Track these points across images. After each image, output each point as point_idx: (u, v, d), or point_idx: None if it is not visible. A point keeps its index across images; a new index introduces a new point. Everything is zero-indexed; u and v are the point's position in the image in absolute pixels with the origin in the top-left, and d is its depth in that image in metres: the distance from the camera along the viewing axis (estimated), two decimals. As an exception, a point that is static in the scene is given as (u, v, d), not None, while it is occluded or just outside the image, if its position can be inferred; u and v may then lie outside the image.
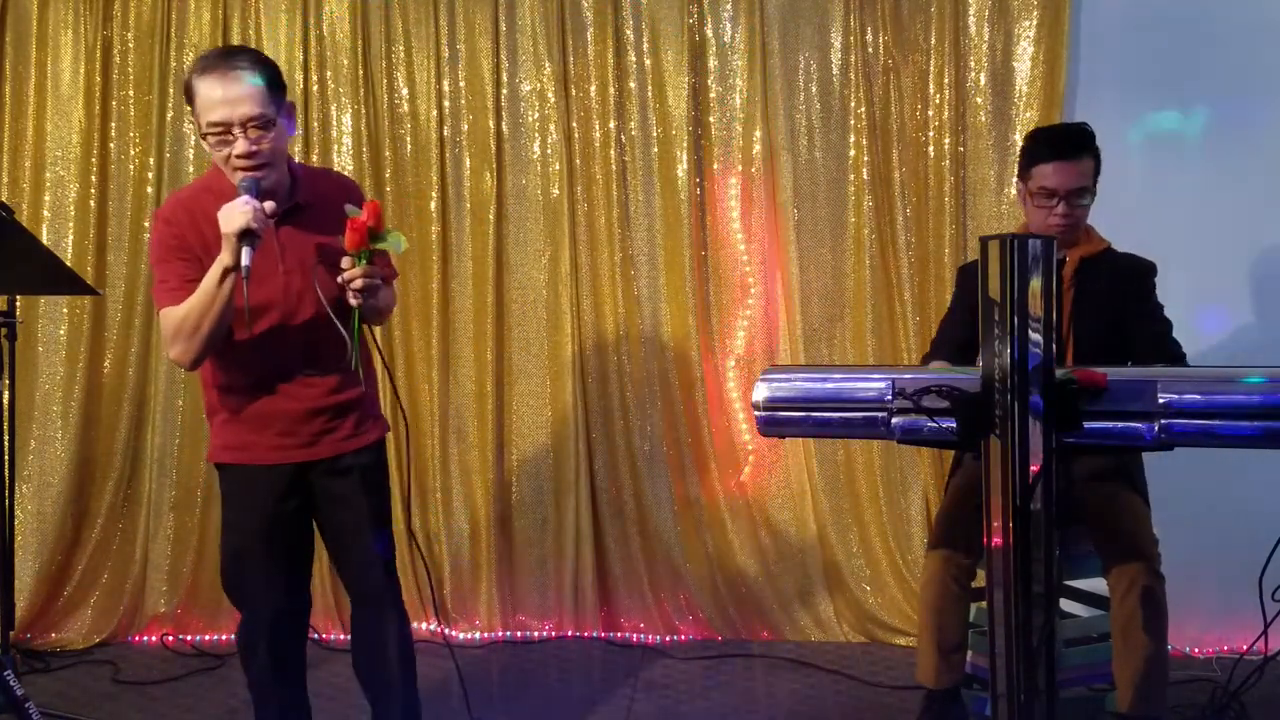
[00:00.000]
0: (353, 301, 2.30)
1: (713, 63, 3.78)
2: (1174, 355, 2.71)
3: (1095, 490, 2.74)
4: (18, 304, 3.37)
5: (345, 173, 3.67)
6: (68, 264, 3.63)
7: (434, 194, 3.81)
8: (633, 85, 3.79)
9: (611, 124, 3.78)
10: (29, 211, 3.79)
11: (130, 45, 3.82)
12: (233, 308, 2.26)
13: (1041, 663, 1.91)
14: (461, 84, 3.81)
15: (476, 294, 3.84)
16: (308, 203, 2.41)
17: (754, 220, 3.81)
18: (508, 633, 3.85)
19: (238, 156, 2.26)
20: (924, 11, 3.67)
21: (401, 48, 3.82)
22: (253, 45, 3.70)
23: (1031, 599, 1.90)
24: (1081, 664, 2.86)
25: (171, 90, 3.78)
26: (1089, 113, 3.14)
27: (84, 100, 3.81)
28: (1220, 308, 3.52)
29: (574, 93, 3.80)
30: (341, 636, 3.77)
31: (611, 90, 3.77)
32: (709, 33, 3.77)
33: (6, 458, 3.30)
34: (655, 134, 3.79)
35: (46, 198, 3.83)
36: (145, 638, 3.84)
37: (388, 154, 3.83)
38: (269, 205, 2.26)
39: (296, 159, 2.68)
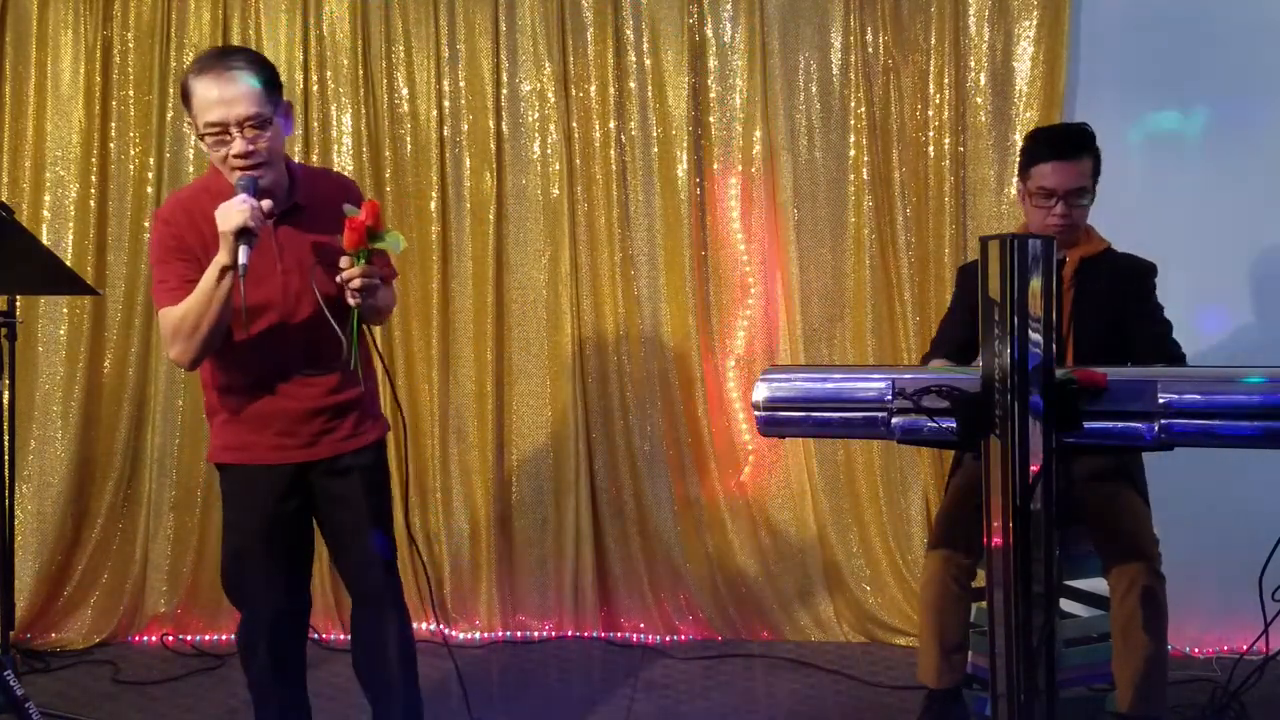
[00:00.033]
0: (351, 301, 2.30)
1: (713, 63, 3.78)
2: (1174, 356, 2.71)
3: (1095, 490, 2.74)
4: (18, 304, 3.37)
5: (345, 173, 3.68)
6: (68, 264, 3.63)
7: (434, 194, 3.81)
8: (633, 85, 3.79)
9: (611, 124, 3.78)
10: (29, 211, 3.80)
11: (130, 45, 3.82)
12: (231, 307, 2.27)
13: (1041, 663, 1.91)
14: (461, 84, 3.81)
15: (476, 294, 3.84)
16: (306, 203, 2.41)
17: (754, 220, 3.81)
18: (508, 633, 3.85)
19: (235, 156, 2.27)
20: (924, 11, 3.67)
21: (401, 48, 3.82)
22: (253, 45, 3.71)
23: (1031, 599, 1.89)
24: (1081, 664, 2.86)
25: (171, 90, 3.78)
26: (1089, 113, 3.14)
27: (84, 100, 3.81)
28: (1220, 308, 3.53)
29: (574, 93, 3.80)
30: (341, 636, 3.77)
31: (611, 90, 3.77)
32: (709, 33, 3.77)
33: (6, 458, 3.30)
34: (655, 134, 3.79)
35: (46, 198, 3.83)
36: (145, 638, 3.84)
37: (388, 154, 3.83)
38: (266, 204, 2.27)
39: (296, 159, 2.69)
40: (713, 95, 3.79)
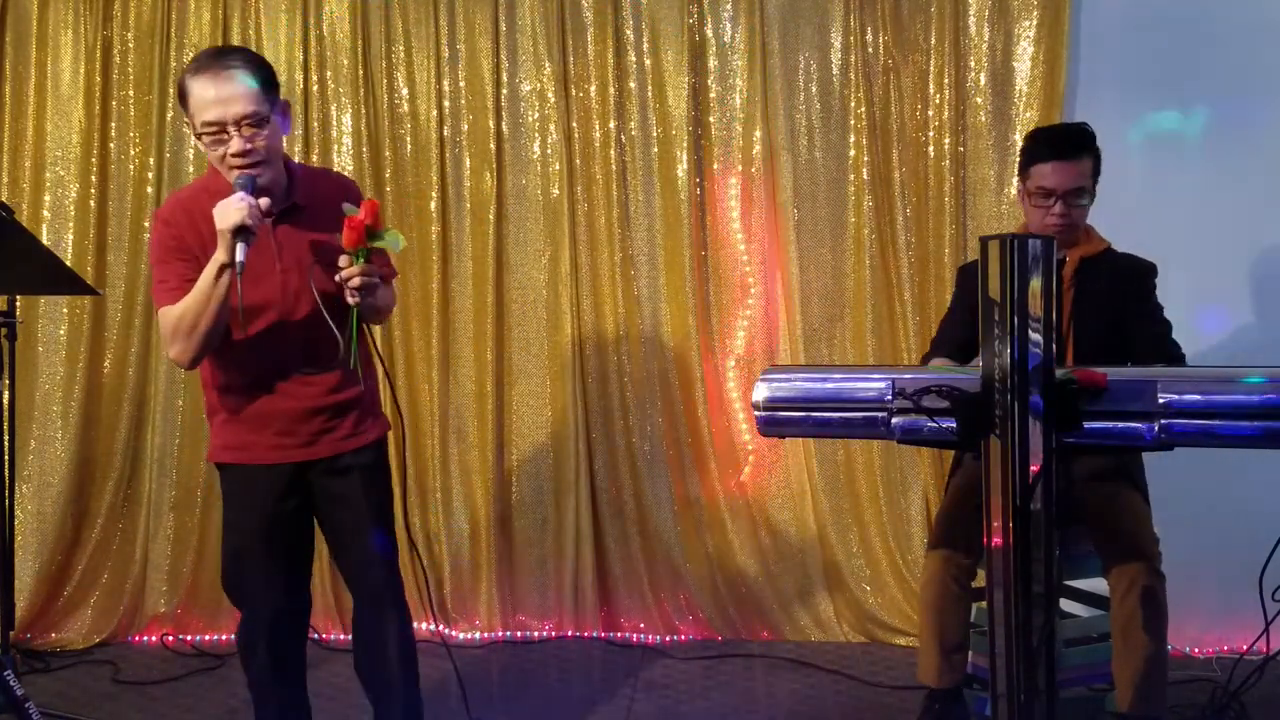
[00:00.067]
0: (350, 300, 2.31)
1: (713, 63, 3.78)
2: (1173, 356, 2.71)
3: (1095, 490, 2.74)
4: (18, 304, 3.37)
5: (345, 173, 3.68)
6: (68, 264, 3.63)
7: (434, 194, 3.81)
8: (633, 85, 3.79)
9: (611, 124, 3.78)
10: (29, 211, 3.80)
11: (130, 45, 3.82)
12: (229, 305, 2.27)
13: (1041, 663, 1.91)
14: (461, 84, 3.81)
15: (476, 294, 3.84)
16: (305, 202, 2.41)
17: (754, 220, 3.81)
18: (508, 633, 3.85)
19: (233, 155, 2.27)
20: (924, 11, 3.67)
21: (401, 48, 3.82)
22: (252, 45, 3.71)
23: (1031, 599, 1.89)
24: (1081, 664, 2.86)
25: (171, 90, 3.77)
26: (1089, 113, 3.14)
27: (84, 100, 3.81)
28: (1220, 308, 3.52)
29: (574, 93, 3.80)
30: (342, 636, 3.78)
31: (611, 90, 3.77)
32: (709, 33, 3.77)
33: (6, 458, 3.30)
34: (655, 134, 3.79)
35: (46, 198, 3.83)
36: (145, 638, 3.84)
37: (388, 154, 3.83)
38: (264, 202, 2.27)
39: (296, 159, 2.68)
40: (713, 95, 3.79)
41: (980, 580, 2.78)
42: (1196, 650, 3.56)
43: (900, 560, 3.74)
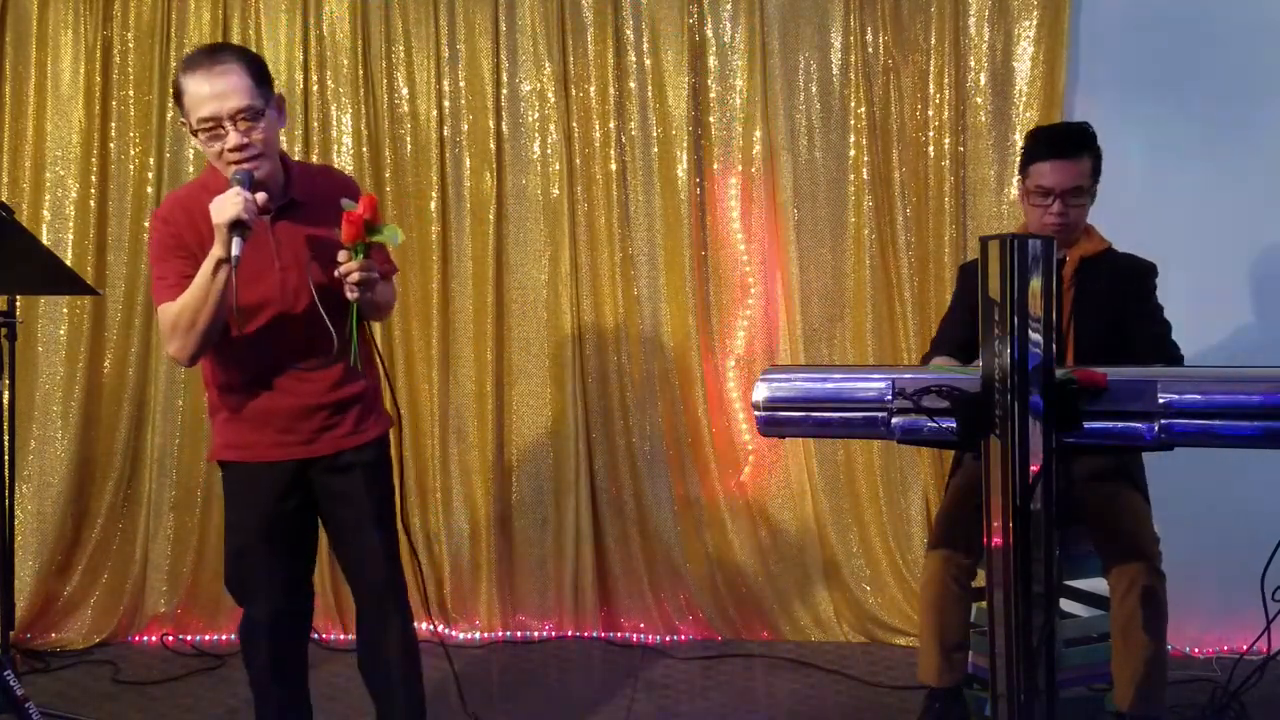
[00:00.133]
0: (350, 295, 2.31)
1: (713, 63, 3.78)
2: (1172, 358, 2.72)
3: (1095, 490, 2.74)
4: (18, 304, 3.37)
5: (345, 172, 3.67)
6: (68, 264, 3.63)
7: (434, 194, 3.81)
8: (633, 85, 3.79)
9: (611, 124, 3.78)
10: (29, 211, 3.79)
11: (130, 45, 3.82)
12: (227, 301, 2.27)
13: (1041, 663, 1.91)
14: (461, 84, 3.81)
15: (476, 294, 3.84)
16: (304, 199, 2.41)
17: (754, 220, 3.81)
18: (508, 633, 3.84)
19: (230, 150, 2.27)
20: (924, 11, 3.67)
21: (401, 48, 3.82)
22: (252, 45, 3.70)
23: (1031, 599, 1.90)
24: (1081, 664, 2.86)
25: (172, 90, 3.77)
26: (1089, 113, 3.14)
27: (84, 100, 3.81)
28: (1220, 308, 3.52)
29: (574, 93, 3.80)
30: (342, 636, 3.78)
31: (611, 90, 3.77)
32: (709, 33, 3.77)
33: (6, 458, 3.30)
34: (655, 134, 3.79)
35: (46, 198, 3.83)
36: (145, 638, 3.84)
37: (388, 154, 3.83)
38: (261, 196, 2.27)
39: (296, 159, 2.68)
40: (713, 95, 3.79)
41: (980, 580, 2.78)
42: (1196, 650, 3.56)
43: (900, 560, 3.74)
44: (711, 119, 3.79)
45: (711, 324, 3.83)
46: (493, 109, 3.80)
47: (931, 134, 3.70)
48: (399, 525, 2.57)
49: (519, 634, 3.85)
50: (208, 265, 2.25)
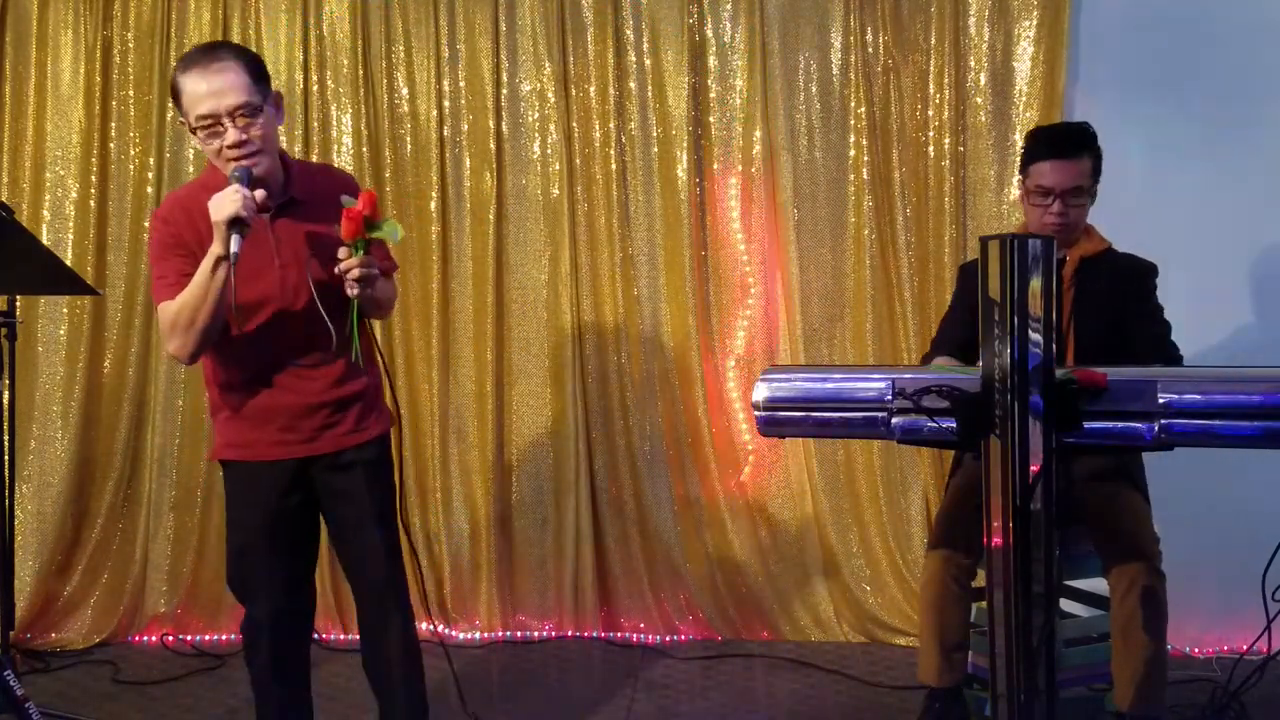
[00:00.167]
0: (350, 292, 2.31)
1: (713, 63, 3.78)
2: (1171, 359, 2.72)
3: (1095, 490, 2.74)
4: (18, 304, 3.37)
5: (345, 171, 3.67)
6: (68, 264, 3.63)
7: (434, 194, 3.81)
8: (633, 85, 3.79)
9: (611, 124, 3.78)
10: (29, 211, 3.80)
11: (130, 45, 3.82)
12: (226, 298, 2.27)
13: (1041, 663, 1.91)
14: (461, 84, 3.81)
15: (476, 294, 3.84)
16: (304, 197, 2.41)
17: (754, 220, 3.81)
18: (508, 633, 3.85)
19: (229, 147, 2.27)
20: (924, 11, 3.67)
21: (401, 48, 3.82)
22: (252, 45, 3.70)
23: (1031, 599, 1.89)
24: (1081, 664, 2.86)
25: (169, 89, 3.78)
26: (1089, 113, 3.14)
27: (84, 100, 3.81)
28: (1220, 308, 3.52)
29: (574, 93, 3.80)
30: (342, 636, 3.78)
31: (611, 90, 3.77)
32: (709, 33, 3.77)
33: (6, 458, 3.30)
34: (655, 134, 3.79)
35: (46, 198, 3.83)
36: (145, 638, 3.84)
37: (388, 154, 3.83)
38: (259, 194, 2.27)
39: (296, 158, 2.68)
40: (713, 95, 3.79)
41: (980, 580, 2.78)
42: (1196, 650, 3.56)
43: (900, 560, 3.74)
44: (711, 119, 3.79)
45: (711, 324, 3.83)
46: (493, 109, 3.80)
47: (931, 134, 3.70)
48: (400, 524, 2.57)
49: (519, 634, 3.85)
50: (207, 263, 2.25)
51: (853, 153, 3.74)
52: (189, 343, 2.32)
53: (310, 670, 2.65)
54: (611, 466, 3.85)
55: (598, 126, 3.80)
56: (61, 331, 3.82)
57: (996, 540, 1.94)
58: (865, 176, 3.72)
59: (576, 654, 3.73)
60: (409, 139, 3.84)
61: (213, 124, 2.27)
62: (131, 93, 3.83)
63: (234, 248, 2.18)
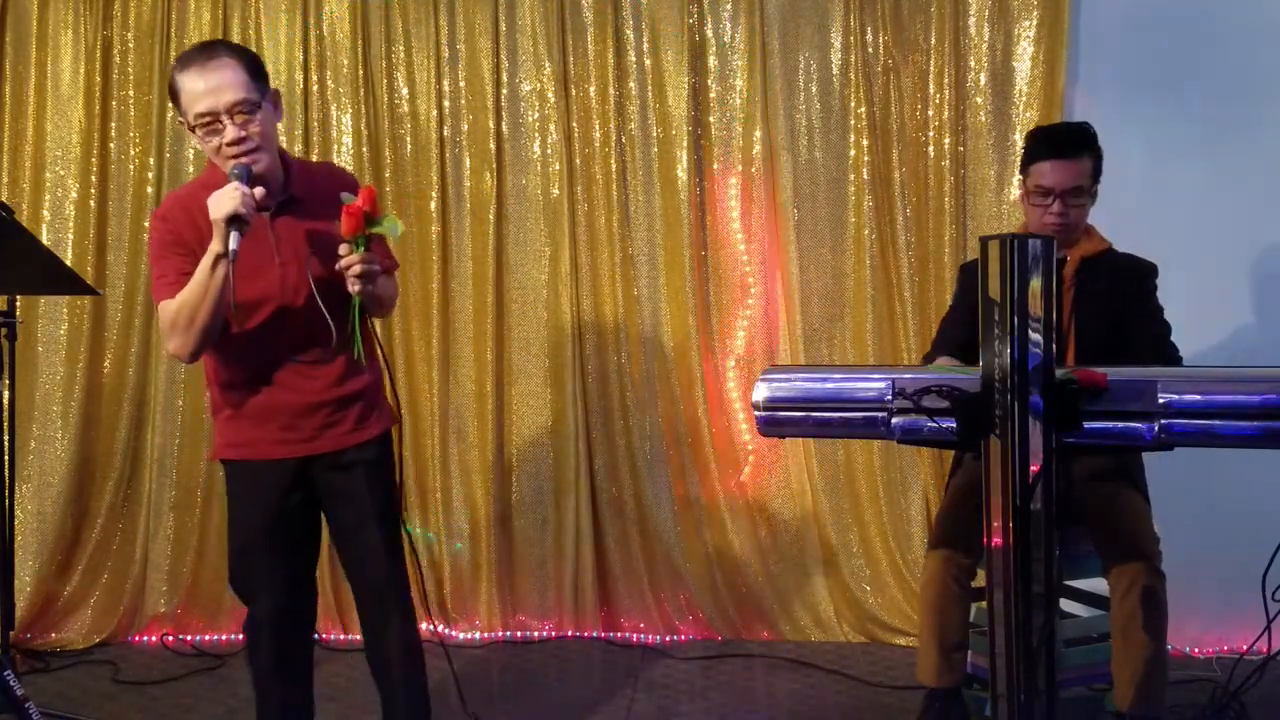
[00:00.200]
0: (352, 289, 2.30)
1: (713, 63, 3.78)
2: (1170, 359, 2.71)
3: (1095, 490, 2.74)
4: (18, 304, 3.37)
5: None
6: (68, 264, 3.63)
7: (434, 194, 3.81)
8: (633, 85, 3.79)
9: (611, 124, 3.78)
10: (29, 211, 3.80)
11: (130, 45, 3.82)
12: (226, 296, 2.27)
13: (1041, 663, 1.91)
14: (461, 84, 3.81)
15: (476, 294, 3.84)
16: (303, 195, 2.41)
17: (754, 220, 3.81)
18: (508, 633, 3.85)
19: (228, 144, 2.28)
20: (924, 11, 3.67)
21: (401, 48, 3.82)
22: (252, 45, 3.71)
23: (1031, 599, 1.89)
24: (1081, 664, 2.86)
25: (167, 89, 3.78)
26: (1089, 113, 3.14)
27: (84, 100, 3.81)
28: (1220, 308, 3.52)
29: (574, 93, 3.80)
30: (342, 636, 3.78)
31: (611, 90, 3.77)
32: (709, 33, 3.77)
33: (6, 458, 3.30)
34: (655, 134, 3.79)
35: (46, 198, 3.83)
36: (145, 638, 3.83)
37: (388, 154, 3.83)
38: (259, 191, 2.26)
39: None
40: (713, 95, 3.79)
41: (980, 580, 2.78)
42: (1196, 650, 3.56)
43: (900, 560, 3.74)
44: (711, 119, 3.79)
45: (711, 324, 3.83)
46: (493, 109, 3.80)
47: (931, 134, 3.70)
48: (402, 523, 2.57)
49: (519, 634, 3.85)
50: (206, 261, 2.25)
51: (853, 153, 3.74)
52: (189, 341, 2.32)
53: (313, 669, 2.65)
54: (611, 466, 3.85)
55: (598, 126, 3.80)
56: (61, 331, 3.82)
57: (996, 540, 1.94)
58: (865, 176, 3.72)
59: (576, 654, 3.73)
60: (409, 139, 3.84)
61: (211, 121, 2.27)
62: (131, 93, 3.83)
63: (233, 245, 2.18)
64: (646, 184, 3.80)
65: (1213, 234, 3.46)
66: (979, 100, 3.66)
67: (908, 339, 3.70)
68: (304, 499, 2.48)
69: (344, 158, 3.83)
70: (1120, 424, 1.93)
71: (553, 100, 3.79)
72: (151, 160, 3.81)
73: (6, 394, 3.31)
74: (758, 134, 3.75)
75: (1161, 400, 1.90)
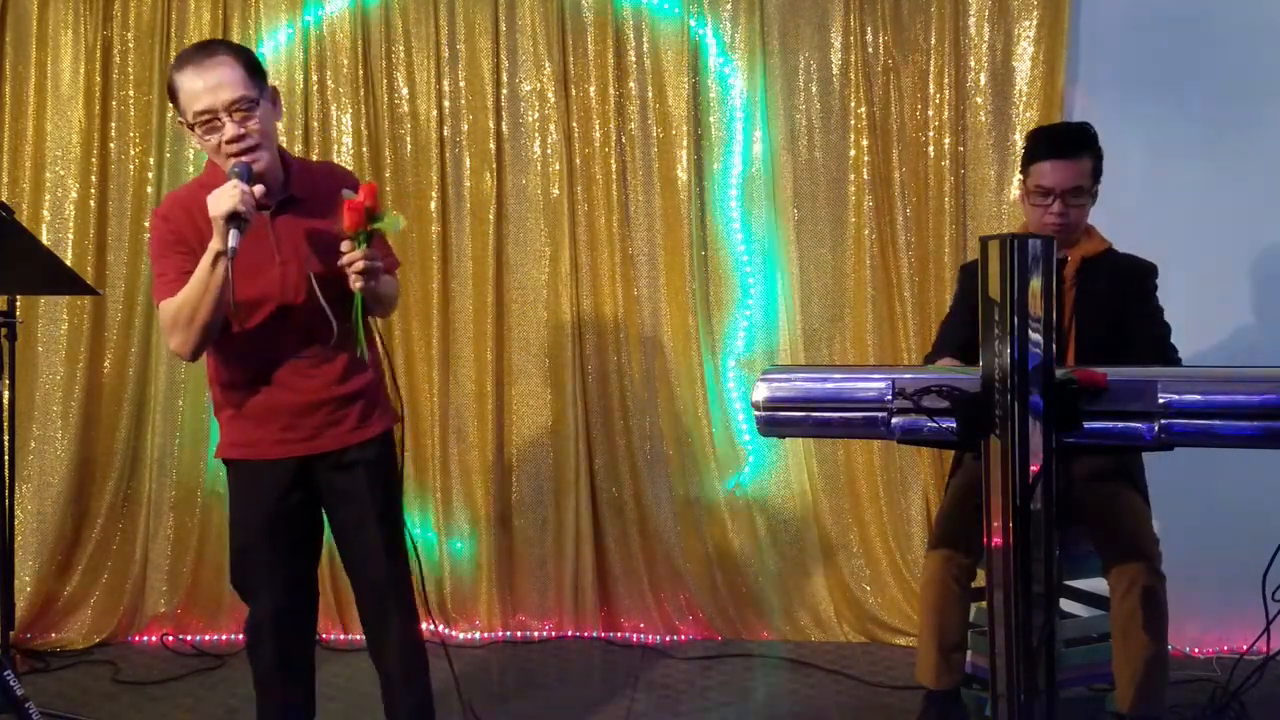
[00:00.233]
0: (355, 286, 2.30)
1: (713, 63, 3.78)
2: (1170, 360, 2.72)
3: (1095, 490, 2.74)
4: (18, 304, 3.37)
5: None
6: (68, 264, 3.63)
7: (434, 194, 3.81)
8: (633, 85, 3.79)
9: (611, 124, 3.78)
10: (29, 211, 3.80)
11: (130, 45, 3.82)
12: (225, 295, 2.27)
13: (1041, 663, 1.91)
14: (461, 84, 3.81)
15: (476, 294, 3.84)
16: (304, 194, 2.41)
17: (754, 220, 3.81)
18: (508, 633, 3.84)
19: (228, 142, 2.28)
20: (924, 11, 3.67)
21: (401, 48, 3.82)
22: (252, 45, 3.71)
23: (1031, 599, 1.89)
24: (1081, 664, 2.86)
25: (166, 89, 3.78)
26: (1089, 113, 3.15)
27: (84, 100, 3.81)
28: (1220, 308, 3.52)
29: (574, 93, 3.80)
30: (342, 636, 3.78)
31: (611, 90, 3.77)
32: (709, 33, 3.77)
33: (6, 458, 3.30)
34: (655, 134, 3.79)
35: (46, 198, 3.83)
36: (145, 638, 3.83)
37: (388, 154, 3.83)
38: (258, 189, 2.26)
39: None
40: (713, 95, 3.79)
41: (980, 580, 2.78)
42: (1196, 650, 3.56)
43: (900, 560, 3.74)
44: (711, 119, 3.79)
45: (711, 324, 3.83)
46: (493, 109, 3.80)
47: (931, 134, 3.70)
48: (404, 523, 2.57)
49: (519, 634, 3.85)
50: (206, 259, 2.25)
51: (853, 153, 3.74)
52: (190, 339, 2.32)
53: (315, 669, 2.65)
54: (611, 466, 3.85)
55: (598, 126, 3.80)
56: (61, 331, 3.82)
57: (996, 540, 1.94)
58: (865, 176, 3.72)
59: (576, 654, 3.73)
60: (409, 139, 3.84)
61: (210, 120, 2.27)
62: (131, 93, 3.83)
63: (232, 242, 2.18)
64: (646, 184, 3.80)
65: (1213, 234, 3.46)
66: (979, 100, 3.66)
67: (908, 339, 3.70)
68: (304, 499, 2.48)
69: (344, 158, 3.83)
70: (1120, 424, 1.94)
71: (553, 100, 3.79)
72: (151, 160, 3.81)
73: (6, 394, 3.31)
74: (758, 134, 3.75)
75: (1161, 400, 1.90)
